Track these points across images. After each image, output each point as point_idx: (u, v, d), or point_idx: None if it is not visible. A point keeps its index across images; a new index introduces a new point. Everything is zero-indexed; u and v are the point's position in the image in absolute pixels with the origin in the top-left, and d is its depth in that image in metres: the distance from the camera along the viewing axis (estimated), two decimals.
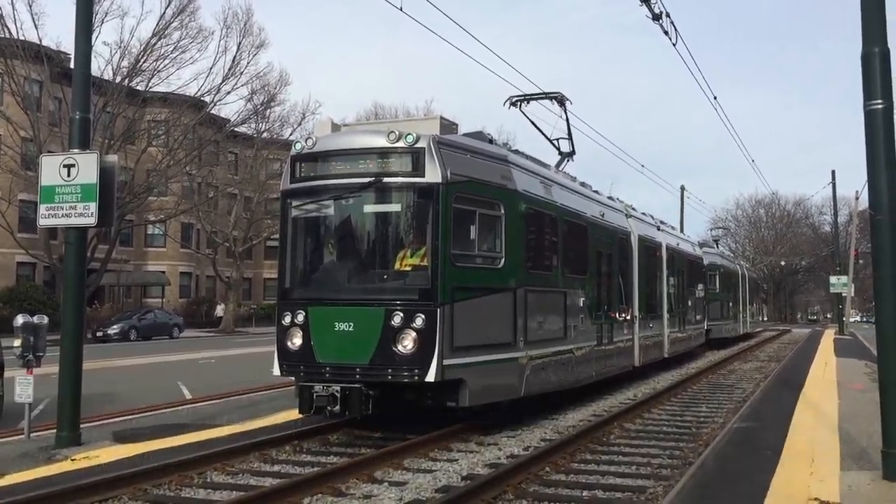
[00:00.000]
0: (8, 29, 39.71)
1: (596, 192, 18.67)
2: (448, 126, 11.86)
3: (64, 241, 15.10)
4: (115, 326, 44.00)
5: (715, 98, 23.56)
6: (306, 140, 11.05)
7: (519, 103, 17.76)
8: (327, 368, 10.45)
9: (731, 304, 36.62)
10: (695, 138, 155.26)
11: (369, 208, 10.76)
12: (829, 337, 44.46)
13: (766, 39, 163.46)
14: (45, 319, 11.61)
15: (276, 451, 10.28)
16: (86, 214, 10.77)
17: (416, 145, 10.52)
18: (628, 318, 18.56)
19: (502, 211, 11.61)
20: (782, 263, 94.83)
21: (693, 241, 30.49)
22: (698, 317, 28.26)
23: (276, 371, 10.96)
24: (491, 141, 12.59)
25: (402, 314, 10.24)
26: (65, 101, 40.49)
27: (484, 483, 8.15)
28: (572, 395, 14.98)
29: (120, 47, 42.45)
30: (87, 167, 10.77)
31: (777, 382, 18.70)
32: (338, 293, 10.76)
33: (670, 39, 15.76)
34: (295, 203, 11.20)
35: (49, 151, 30.77)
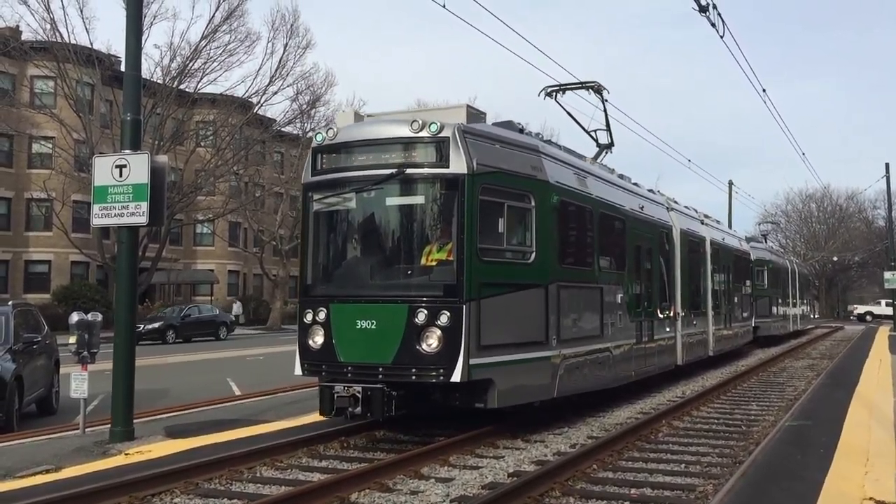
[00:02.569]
0: (60, 34, 40.50)
1: (636, 184, 18.02)
2: (475, 115, 11.38)
3: (116, 241, 15.31)
4: (155, 323, 40.38)
5: (764, 91, 23.22)
6: (327, 131, 10.66)
7: (554, 93, 17.23)
8: (349, 368, 10.05)
9: (780, 300, 35.51)
10: (742, 131, 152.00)
11: (392, 201, 10.33)
12: (883, 334, 43.04)
13: (816, 27, 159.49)
14: (100, 317, 11.89)
15: (324, 447, 10.25)
16: (137, 214, 10.91)
17: (440, 135, 10.07)
18: (670, 314, 17.90)
19: (533, 203, 11.11)
20: (834, 259, 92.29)
21: (739, 236, 29.57)
22: (745, 314, 27.36)
23: (298, 370, 10.61)
24: (521, 130, 12.09)
25: (426, 311, 9.80)
26: (116, 104, 41.10)
27: (531, 480, 8.09)
28: (618, 392, 14.73)
29: (170, 50, 42.88)
30: (138, 167, 10.93)
31: (830, 380, 18.26)
32: (360, 290, 10.36)
33: (717, 32, 15.50)
34: (316, 197, 10.82)
35: (101, 153, 32.05)
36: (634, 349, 15.13)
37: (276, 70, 47.25)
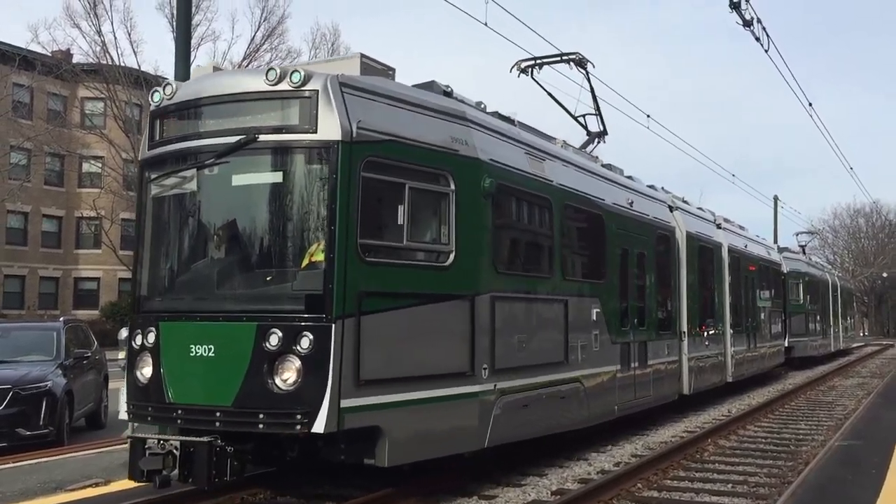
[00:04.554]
0: (110, 56, 42.63)
1: (630, 177, 15.05)
2: (374, 69, 8.54)
3: None
4: None
5: (810, 104, 22.81)
6: (165, 87, 7.92)
7: (530, 69, 14.37)
8: (179, 412, 7.27)
9: (818, 317, 31.95)
10: (788, 145, 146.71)
11: (240, 180, 7.51)
12: None
13: (865, 37, 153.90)
14: None
15: None
16: None
17: (305, 87, 7.29)
18: (673, 334, 14.84)
19: (452, 186, 8.26)
20: (884, 275, 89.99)
21: (769, 245, 26.21)
22: (776, 332, 24.03)
23: (122, 413, 7.85)
24: (448, 94, 9.25)
25: (280, 333, 7.00)
26: None
27: (574, 498, 8.03)
28: (660, 411, 14.36)
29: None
30: None
31: (880, 399, 17.57)
32: (198, 303, 7.56)
33: (762, 46, 15.39)
34: (153, 176, 8.06)
35: None
36: (619, 378, 12.12)
37: None
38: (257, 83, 7.42)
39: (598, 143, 15.52)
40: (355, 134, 7.30)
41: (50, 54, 43.84)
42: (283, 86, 7.32)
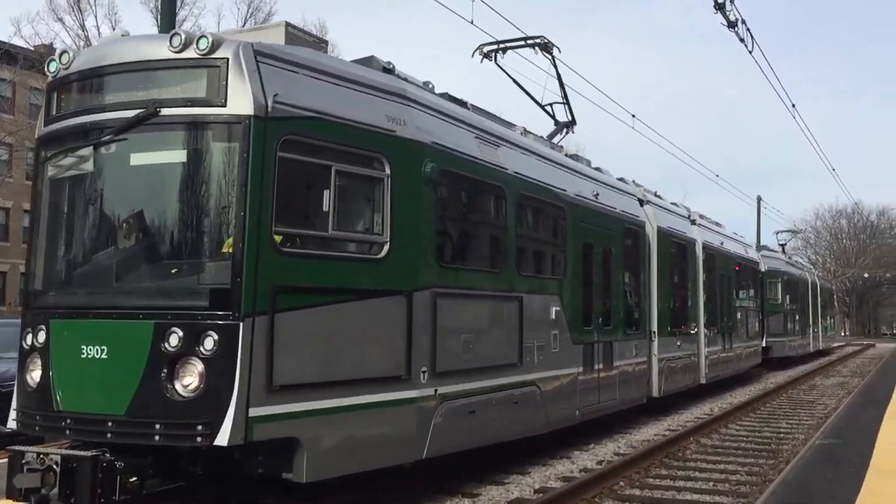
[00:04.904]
0: None
1: (598, 169, 14.31)
2: (302, 39, 7.70)
3: None
4: None
5: (793, 106, 22.88)
6: (61, 55, 7.07)
7: (493, 54, 13.59)
8: (69, 421, 6.44)
9: (797, 316, 31.37)
10: (772, 146, 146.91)
11: (139, 160, 6.66)
12: None
13: (846, 42, 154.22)
14: None
15: None
16: None
17: (214, 55, 6.47)
18: (641, 334, 14.10)
19: (387, 170, 7.46)
20: (865, 276, 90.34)
21: (746, 243, 25.55)
22: (753, 332, 23.39)
23: (10, 422, 6.99)
24: (389, 71, 8.44)
25: (181, 332, 6.19)
26: None
27: (557, 496, 8.05)
28: (643, 409, 14.25)
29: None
30: None
31: (861, 399, 17.51)
32: (90, 298, 6.71)
33: (746, 47, 15.44)
34: (48, 155, 7.20)
35: None
36: (581, 381, 11.37)
37: None
38: (161, 50, 6.58)
39: (567, 133, 14.80)
40: (271, 108, 6.48)
41: (33, 48, 42.64)
42: (190, 53, 6.50)
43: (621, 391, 12.88)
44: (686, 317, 16.87)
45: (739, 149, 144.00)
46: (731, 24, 14.68)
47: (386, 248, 7.43)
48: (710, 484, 9.40)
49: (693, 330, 17.26)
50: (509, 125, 11.23)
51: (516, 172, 9.87)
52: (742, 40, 15.29)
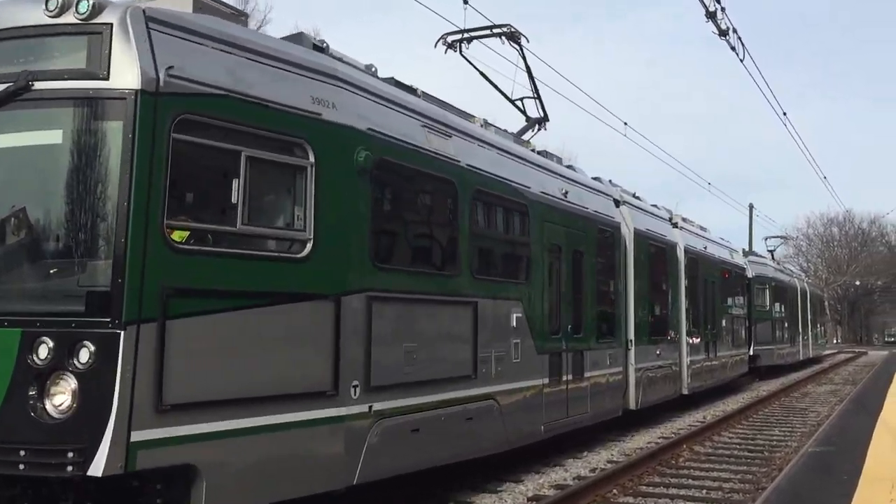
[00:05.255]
0: None
1: (571, 167, 13.48)
2: (216, 10, 6.80)
3: None
4: None
5: (784, 114, 22.81)
6: None
7: (458, 44, 12.73)
8: None
9: (786, 324, 30.55)
10: (764, 155, 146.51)
11: (7, 141, 5.74)
12: None
13: (838, 50, 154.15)
14: None
15: None
16: None
17: (94, 21, 5.58)
18: (615, 342, 13.22)
19: (311, 158, 6.58)
20: (857, 283, 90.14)
21: (733, 248, 24.72)
22: (739, 340, 22.55)
23: None
24: (322, 49, 7.55)
25: (52, 342, 5.28)
26: None
27: None
28: (637, 418, 14.33)
29: None
30: None
31: (853, 406, 17.42)
32: None
33: (737, 55, 15.29)
34: None
35: None
36: (547, 393, 10.48)
37: None
38: (35, 15, 5.68)
39: (539, 129, 13.93)
40: (163, 83, 5.58)
41: None
42: (68, 18, 5.61)
43: (594, 404, 11.99)
44: (666, 324, 16.01)
45: (732, 157, 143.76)
46: (723, 33, 14.50)
47: (309, 246, 6.54)
48: (704, 492, 9.51)
49: (674, 338, 16.41)
50: (468, 116, 10.38)
51: (470, 166, 9.00)
52: (733, 48, 15.19)
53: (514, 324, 9.70)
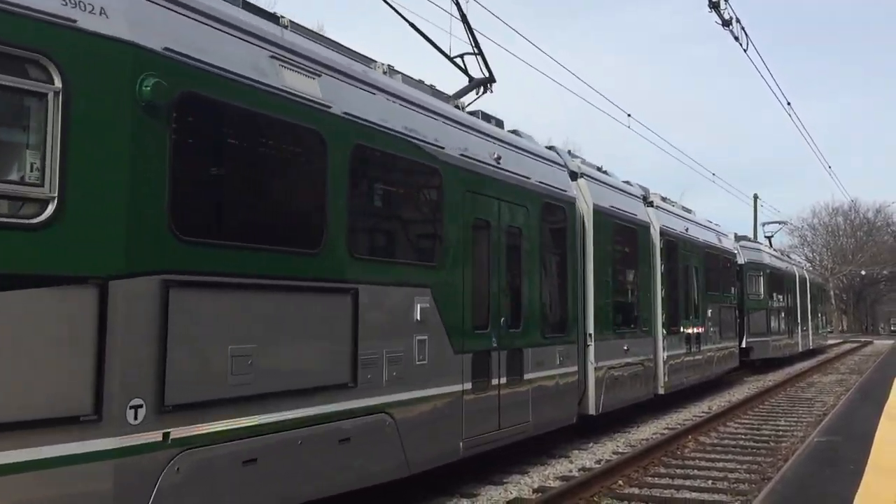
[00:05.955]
0: None
1: (515, 132, 11.47)
2: None
3: None
4: None
5: (789, 104, 22.81)
6: None
7: None
8: None
9: (783, 314, 28.46)
10: (769, 146, 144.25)
11: None
12: None
13: (843, 40, 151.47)
14: None
15: None
16: None
17: None
18: (569, 336, 11.20)
19: (57, 83, 4.60)
20: (862, 273, 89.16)
21: (721, 231, 22.65)
22: (728, 332, 20.48)
23: None
24: None
25: None
26: None
27: (555, 495, 8.07)
28: (643, 407, 14.34)
29: None
30: None
31: (859, 395, 16.93)
32: None
33: (741, 45, 15.36)
34: None
35: None
36: (468, 402, 8.48)
37: None
38: None
39: (484, 91, 11.92)
40: None
41: None
42: None
43: (537, 411, 9.99)
44: (638, 315, 13.98)
45: (737, 148, 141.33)
46: (726, 23, 14.50)
47: (50, 207, 4.55)
48: (709, 482, 9.51)
49: (648, 331, 14.39)
50: (367, 60, 8.37)
51: (349, 114, 6.98)
52: (737, 39, 15.14)
53: (419, 316, 7.71)
